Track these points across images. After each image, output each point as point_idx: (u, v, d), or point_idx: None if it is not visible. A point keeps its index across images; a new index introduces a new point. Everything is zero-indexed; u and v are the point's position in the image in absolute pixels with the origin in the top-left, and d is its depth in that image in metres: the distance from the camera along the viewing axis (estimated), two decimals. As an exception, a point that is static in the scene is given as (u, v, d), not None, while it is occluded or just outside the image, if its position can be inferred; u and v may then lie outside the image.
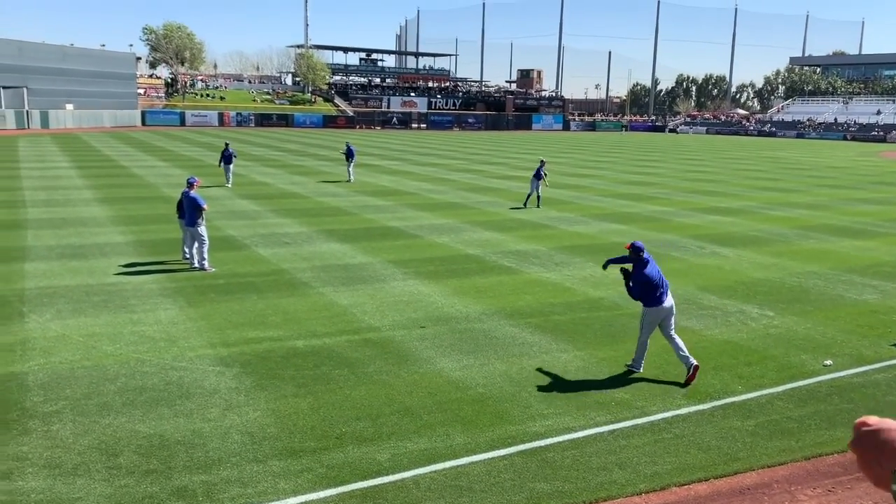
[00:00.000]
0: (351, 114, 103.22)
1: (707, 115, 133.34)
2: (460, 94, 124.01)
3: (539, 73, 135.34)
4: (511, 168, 41.74)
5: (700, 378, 9.39)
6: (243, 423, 7.80)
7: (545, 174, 25.43)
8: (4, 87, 68.52)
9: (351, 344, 10.48)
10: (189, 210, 14.60)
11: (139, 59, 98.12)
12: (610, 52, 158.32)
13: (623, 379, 9.38)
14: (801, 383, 9.42)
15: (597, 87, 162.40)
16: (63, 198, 24.90)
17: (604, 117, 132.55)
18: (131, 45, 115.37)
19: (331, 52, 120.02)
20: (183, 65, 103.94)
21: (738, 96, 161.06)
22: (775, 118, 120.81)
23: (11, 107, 69.57)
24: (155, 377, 9.03)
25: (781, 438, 7.84)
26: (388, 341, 10.64)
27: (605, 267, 10.36)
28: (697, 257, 17.35)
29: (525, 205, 25.52)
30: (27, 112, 70.77)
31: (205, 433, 7.55)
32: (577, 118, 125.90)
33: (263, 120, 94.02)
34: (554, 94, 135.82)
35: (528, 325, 11.57)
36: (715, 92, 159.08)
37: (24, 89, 70.43)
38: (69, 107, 75.95)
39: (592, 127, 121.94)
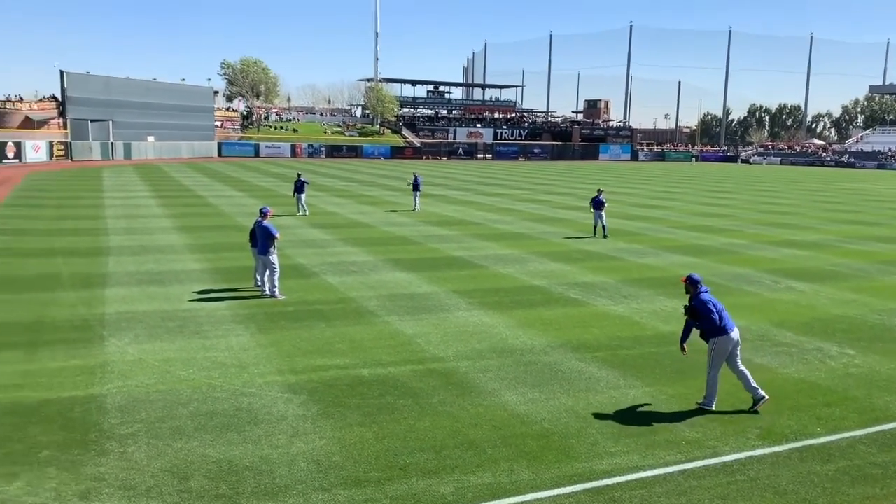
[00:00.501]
0: (418, 145, 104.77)
1: (781, 146, 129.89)
2: (526, 124, 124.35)
3: (606, 103, 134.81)
4: (577, 198, 41.44)
5: (776, 418, 9.03)
6: (310, 451, 7.89)
7: (594, 204, 25.26)
8: (91, 121, 72.37)
9: (415, 374, 10.51)
10: (261, 239, 15.00)
11: (216, 92, 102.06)
12: (679, 82, 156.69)
13: (693, 417, 9.10)
14: (885, 427, 8.94)
15: (666, 117, 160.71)
16: (142, 226, 25.97)
17: (673, 147, 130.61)
18: (209, 80, 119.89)
19: (399, 84, 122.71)
20: (258, 98, 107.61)
21: (813, 126, 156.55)
22: (854, 148, 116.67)
23: (98, 139, 73.41)
24: (225, 402, 9.25)
25: (864, 485, 7.44)
26: (452, 372, 10.63)
27: (684, 348, 9.50)
28: (772, 292, 16.79)
29: (594, 234, 25.44)
30: (112, 144, 74.51)
31: (272, 460, 7.67)
32: (645, 148, 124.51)
33: (334, 151, 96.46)
34: (622, 124, 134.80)
35: (595, 360, 11.38)
36: (789, 122, 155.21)
37: (110, 122, 74.27)
38: (150, 139, 79.55)
39: (661, 157, 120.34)
